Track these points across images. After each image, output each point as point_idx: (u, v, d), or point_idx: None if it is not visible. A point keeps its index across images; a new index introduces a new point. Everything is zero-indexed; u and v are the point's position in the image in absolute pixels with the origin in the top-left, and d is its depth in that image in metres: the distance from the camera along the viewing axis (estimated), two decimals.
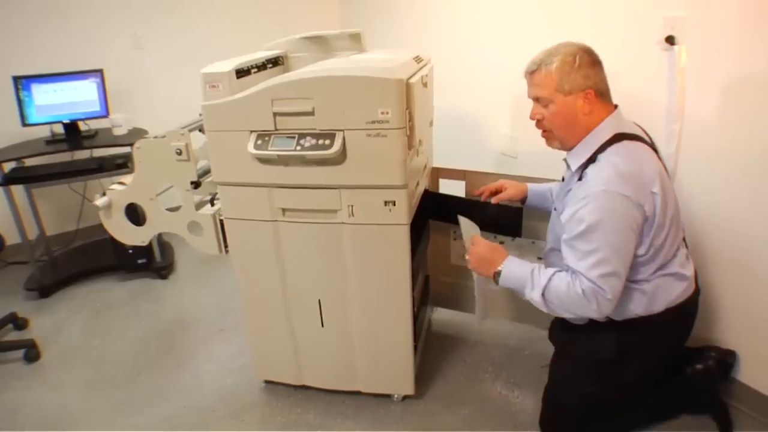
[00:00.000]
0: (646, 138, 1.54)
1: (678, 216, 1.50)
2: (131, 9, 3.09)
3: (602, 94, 1.45)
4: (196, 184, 1.77)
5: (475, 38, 2.55)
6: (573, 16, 2.10)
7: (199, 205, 1.83)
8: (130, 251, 2.75)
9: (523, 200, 1.85)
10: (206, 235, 1.81)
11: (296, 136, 1.55)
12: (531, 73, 1.47)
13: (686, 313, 1.57)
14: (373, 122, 1.48)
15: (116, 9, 3.06)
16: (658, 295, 1.49)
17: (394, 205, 1.59)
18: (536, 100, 1.49)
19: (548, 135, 1.53)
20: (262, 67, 1.82)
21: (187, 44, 3.20)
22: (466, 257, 1.63)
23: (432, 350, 2.16)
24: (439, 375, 2.04)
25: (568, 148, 1.53)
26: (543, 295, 1.43)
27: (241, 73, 1.66)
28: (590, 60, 1.42)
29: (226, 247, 1.81)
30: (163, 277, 2.87)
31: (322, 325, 1.82)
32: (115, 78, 2.95)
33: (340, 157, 1.53)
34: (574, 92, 1.42)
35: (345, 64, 1.57)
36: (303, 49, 1.96)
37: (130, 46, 3.12)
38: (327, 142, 1.51)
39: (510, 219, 1.85)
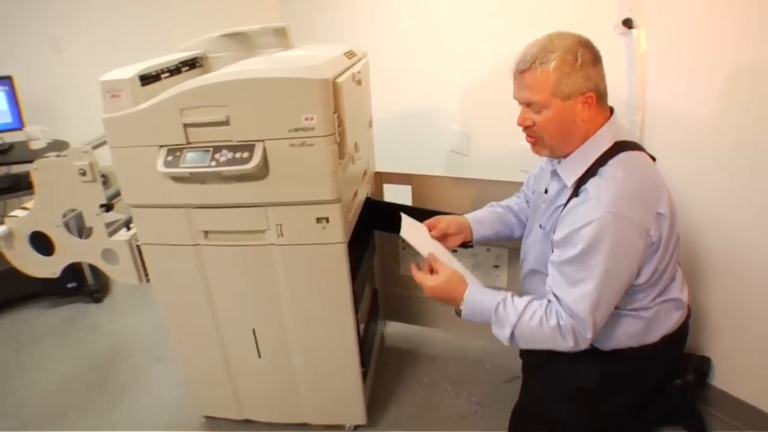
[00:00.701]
0: (641, 144, 1.35)
1: (678, 231, 1.33)
2: (47, 9, 2.80)
3: (602, 96, 1.25)
4: (107, 207, 1.56)
5: (421, 29, 2.37)
6: (519, 2, 1.93)
7: (115, 230, 1.62)
8: (58, 275, 2.50)
9: (467, 242, 1.61)
10: (123, 263, 1.61)
11: (211, 149, 1.35)
12: (522, 72, 1.23)
13: (680, 340, 1.42)
14: (297, 130, 1.30)
15: (29, 9, 2.77)
16: (655, 324, 1.32)
17: (328, 221, 1.41)
18: (527, 104, 1.26)
19: (537, 142, 1.31)
20: (175, 71, 1.61)
21: (114, 47, 2.92)
22: (413, 271, 1.42)
23: (386, 370, 1.99)
24: (394, 399, 1.88)
25: (559, 157, 1.33)
26: (512, 335, 1.25)
27: (148, 79, 1.46)
28: (592, 56, 1.21)
29: (146, 275, 1.61)
30: (97, 300, 2.63)
31: (260, 356, 1.63)
32: (31, 86, 2.67)
33: (262, 172, 1.34)
34: (574, 96, 1.20)
35: (263, 64, 1.38)
36: (224, 48, 1.75)
37: (48, 51, 2.84)
38: (245, 155, 1.32)
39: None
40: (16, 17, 2.75)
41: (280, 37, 1.71)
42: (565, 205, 1.27)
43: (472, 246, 1.64)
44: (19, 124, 2.62)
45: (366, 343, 1.77)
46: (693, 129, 1.58)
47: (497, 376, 1.90)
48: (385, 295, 2.06)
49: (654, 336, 1.33)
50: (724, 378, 1.68)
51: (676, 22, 1.56)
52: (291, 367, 1.64)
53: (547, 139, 1.28)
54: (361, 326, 1.71)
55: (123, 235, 1.60)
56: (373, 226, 1.81)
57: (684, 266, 1.52)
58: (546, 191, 1.40)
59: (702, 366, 1.69)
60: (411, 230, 1.53)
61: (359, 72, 1.52)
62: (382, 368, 1.99)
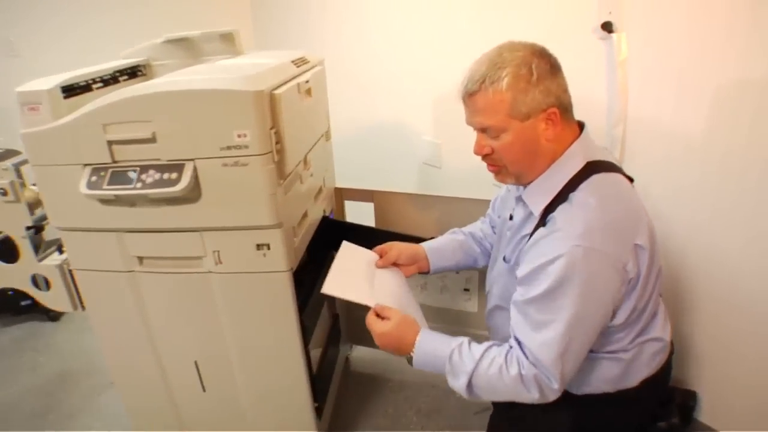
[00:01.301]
0: (617, 163, 1.20)
1: (661, 266, 1.17)
2: (2, 11, 2.65)
3: (567, 109, 1.09)
4: (36, 229, 1.43)
5: (393, 36, 2.23)
6: (494, 6, 1.80)
7: (47, 254, 1.49)
8: (10, 292, 2.37)
9: (425, 268, 1.44)
10: (55, 289, 1.48)
11: (138, 169, 1.22)
12: (472, 95, 1.07)
13: (662, 382, 1.25)
14: (229, 148, 1.17)
15: None
16: (635, 367, 1.16)
17: (269, 248, 1.27)
18: (482, 130, 1.11)
19: (499, 171, 1.15)
20: (111, 80, 1.47)
21: (72, 51, 2.77)
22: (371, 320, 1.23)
23: (350, 398, 1.86)
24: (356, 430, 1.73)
25: (526, 184, 1.18)
26: (468, 385, 1.09)
27: (75, 90, 1.33)
28: (549, 67, 1.04)
29: (81, 302, 1.48)
30: (54, 318, 2.49)
31: (204, 390, 1.50)
32: None
33: (193, 194, 1.21)
34: (534, 114, 1.04)
35: (194, 74, 1.24)
36: (168, 55, 1.61)
37: (3, 54, 2.69)
38: (173, 176, 1.19)
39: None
40: None
41: (228, 43, 1.57)
42: (531, 235, 1.11)
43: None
44: None
45: (323, 374, 1.64)
46: (678, 144, 1.46)
47: (468, 407, 1.77)
48: (349, 318, 1.93)
49: (633, 380, 1.18)
50: (711, 413, 1.55)
51: (660, 26, 1.43)
52: (238, 402, 1.51)
53: (510, 166, 1.13)
54: (317, 356, 1.58)
55: (54, 259, 1.47)
56: (331, 247, 1.66)
57: (667, 293, 1.39)
58: (511, 217, 1.25)
59: (687, 401, 1.55)
60: (346, 273, 1.33)
61: (307, 81, 1.38)
62: (345, 396, 1.85)
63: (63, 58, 2.70)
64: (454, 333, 1.68)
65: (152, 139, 1.18)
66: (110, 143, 1.21)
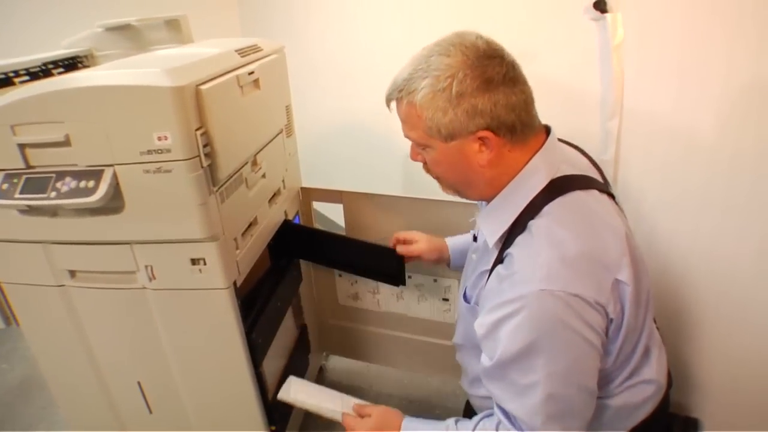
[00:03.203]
0: (597, 175, 1.02)
1: (651, 292, 0.98)
2: None
3: (512, 129, 0.87)
4: None
5: (376, 22, 2.05)
6: None
7: None
8: None
9: (446, 262, 1.36)
10: None
11: (53, 176, 1.08)
12: (389, 102, 0.94)
13: (654, 425, 1.06)
14: (150, 152, 1.02)
15: None
16: (624, 414, 1.00)
17: (205, 263, 1.13)
18: (408, 138, 0.95)
19: (439, 182, 1.01)
20: (41, 73, 1.33)
21: (50, 33, 2.65)
22: (344, 419, 1.15)
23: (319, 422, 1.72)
24: None
25: (476, 200, 1.03)
26: None
27: None
28: (480, 81, 0.84)
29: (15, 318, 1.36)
30: (11, 323, 2.37)
31: (150, 411, 1.38)
32: None
33: (114, 204, 1.07)
34: (459, 136, 0.87)
35: (114, 68, 1.09)
36: (112, 44, 1.47)
37: None
38: (90, 184, 1.05)
39: (389, 264, 1.37)
40: None
41: (174, 30, 1.42)
42: (490, 272, 0.94)
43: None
44: None
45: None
46: (680, 140, 1.28)
47: None
48: (322, 327, 1.79)
49: (623, 428, 1.01)
50: None
51: (661, 5, 1.24)
52: (188, 424, 1.39)
53: (443, 182, 0.98)
54: (277, 373, 1.45)
55: None
56: (296, 253, 1.52)
57: (666, 314, 1.23)
58: (475, 238, 1.08)
59: (689, 430, 1.38)
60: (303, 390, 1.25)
61: (251, 73, 1.22)
62: (312, 419, 1.72)
63: (31, 45, 2.58)
64: (431, 345, 1.55)
65: (66, 143, 1.04)
66: (22, 146, 1.07)
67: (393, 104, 0.94)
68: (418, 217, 1.49)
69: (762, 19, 1.07)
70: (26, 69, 1.28)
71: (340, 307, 1.73)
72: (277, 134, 1.42)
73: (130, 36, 1.45)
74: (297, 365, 1.61)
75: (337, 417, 1.15)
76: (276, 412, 1.40)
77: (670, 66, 1.26)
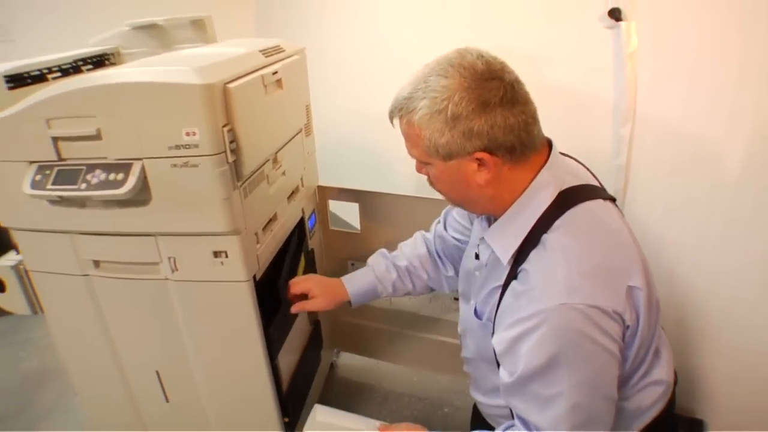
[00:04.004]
0: (594, 181, 1.03)
1: (657, 295, 0.99)
2: None
3: (511, 150, 0.88)
4: None
5: (391, 25, 2.09)
6: None
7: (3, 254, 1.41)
8: None
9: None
10: (11, 291, 1.40)
11: (84, 168, 1.12)
12: (393, 118, 0.96)
13: (664, 424, 1.09)
14: (178, 147, 1.06)
15: None
16: (637, 413, 1.02)
17: (227, 256, 1.16)
18: (410, 155, 0.98)
19: (444, 196, 1.03)
20: (72, 70, 1.38)
21: (70, 35, 2.70)
22: None
23: (336, 404, 1.75)
24: None
25: (480, 215, 1.06)
26: None
27: (25, 80, 1.24)
28: (477, 104, 0.85)
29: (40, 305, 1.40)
30: (37, 311, 2.42)
31: (167, 400, 1.41)
32: None
33: (141, 196, 1.11)
34: (458, 157, 0.89)
35: (145, 66, 1.13)
36: (138, 43, 1.51)
37: None
38: (119, 176, 1.09)
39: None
40: None
41: (199, 30, 1.47)
42: (504, 287, 0.95)
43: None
44: None
45: (298, 386, 1.54)
46: (689, 148, 1.30)
47: (455, 422, 1.65)
48: (334, 324, 1.82)
49: (635, 427, 1.03)
50: None
51: (674, 15, 1.28)
52: (204, 414, 1.42)
53: (447, 196, 1.02)
54: (291, 367, 1.49)
55: (10, 259, 1.39)
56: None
57: (673, 320, 1.25)
58: (477, 256, 1.09)
59: (694, 431, 1.40)
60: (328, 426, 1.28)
61: (275, 73, 1.26)
62: (327, 403, 1.75)
63: (63, 43, 2.64)
64: (441, 343, 1.57)
65: (97, 136, 1.08)
66: (55, 139, 1.11)
67: (395, 120, 0.96)
68: (429, 217, 1.52)
69: None
70: (58, 66, 1.33)
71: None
72: (297, 133, 1.46)
73: (156, 35, 1.49)
74: (310, 360, 1.64)
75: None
76: (289, 404, 1.44)
77: (682, 74, 1.29)
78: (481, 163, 0.89)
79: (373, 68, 2.19)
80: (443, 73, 0.87)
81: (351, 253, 1.65)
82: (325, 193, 1.64)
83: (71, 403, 1.90)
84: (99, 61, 1.46)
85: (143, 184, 1.09)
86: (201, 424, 1.43)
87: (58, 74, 1.33)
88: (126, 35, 1.49)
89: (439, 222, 1.35)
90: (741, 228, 1.25)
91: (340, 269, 1.72)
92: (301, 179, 1.51)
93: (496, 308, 0.97)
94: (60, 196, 1.13)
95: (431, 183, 1.01)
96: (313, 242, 1.62)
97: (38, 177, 1.14)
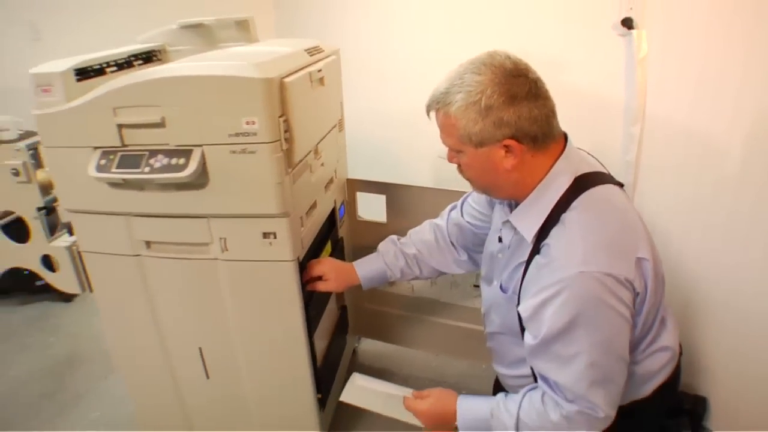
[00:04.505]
0: (603, 170, 1.15)
1: (664, 273, 1.12)
2: None
3: (535, 138, 1.01)
4: (46, 210, 1.44)
5: (411, 27, 2.22)
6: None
7: (57, 235, 1.50)
8: (26, 271, 2.40)
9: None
10: (63, 271, 1.49)
11: (146, 154, 1.22)
12: (429, 111, 1.09)
13: (671, 388, 1.21)
14: (237, 135, 1.16)
15: None
16: (647, 377, 1.14)
17: (275, 237, 1.26)
18: (444, 144, 1.10)
19: (471, 184, 1.16)
20: (125, 65, 1.47)
21: (95, 34, 2.79)
22: (405, 402, 1.27)
23: None
24: (359, 423, 1.75)
25: (502, 200, 1.17)
26: None
27: (89, 73, 1.33)
28: (506, 97, 0.97)
29: (89, 284, 1.49)
30: (67, 300, 2.52)
31: (208, 377, 1.50)
32: (5, 73, 2.56)
33: (200, 180, 1.20)
34: (488, 144, 1.01)
35: (205, 60, 1.24)
36: (184, 41, 1.61)
37: (26, 37, 2.72)
38: (181, 161, 1.19)
39: None
40: None
41: (243, 30, 1.57)
42: (528, 263, 1.07)
43: None
44: None
45: (328, 365, 1.63)
46: (695, 146, 1.42)
47: None
48: (357, 310, 1.92)
49: (646, 390, 1.15)
50: (721, 421, 1.51)
51: (682, 24, 1.40)
52: (242, 390, 1.51)
53: (475, 184, 1.14)
54: (322, 347, 1.58)
55: (64, 240, 1.49)
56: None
57: (678, 302, 1.36)
58: (500, 239, 1.21)
59: (697, 407, 1.52)
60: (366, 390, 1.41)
61: (320, 71, 1.37)
62: None
63: (85, 41, 2.74)
64: (460, 329, 1.67)
65: (161, 124, 1.18)
66: (120, 127, 1.21)
67: (432, 113, 1.09)
68: None
69: None
70: (114, 61, 1.42)
71: (375, 291, 1.86)
72: (333, 127, 1.57)
73: (202, 33, 1.59)
74: (337, 343, 1.74)
75: (398, 416, 1.28)
76: (321, 382, 1.53)
77: (689, 77, 1.41)
78: (508, 149, 1.01)
79: (391, 71, 2.31)
80: (476, 70, 1.00)
81: (376, 242, 1.74)
82: (354, 185, 1.74)
83: (103, 386, 1.98)
84: (148, 57, 1.56)
85: (203, 169, 1.19)
86: (239, 400, 1.52)
87: (115, 68, 1.42)
88: (173, 33, 1.59)
89: (454, 209, 1.45)
90: (743, 219, 1.36)
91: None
92: (335, 171, 1.62)
93: (520, 282, 1.09)
94: (124, 179, 1.22)
95: (461, 170, 1.12)
96: (342, 231, 1.73)
97: (102, 161, 1.23)
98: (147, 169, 1.20)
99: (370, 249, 1.76)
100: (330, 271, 1.44)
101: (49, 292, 2.51)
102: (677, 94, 1.45)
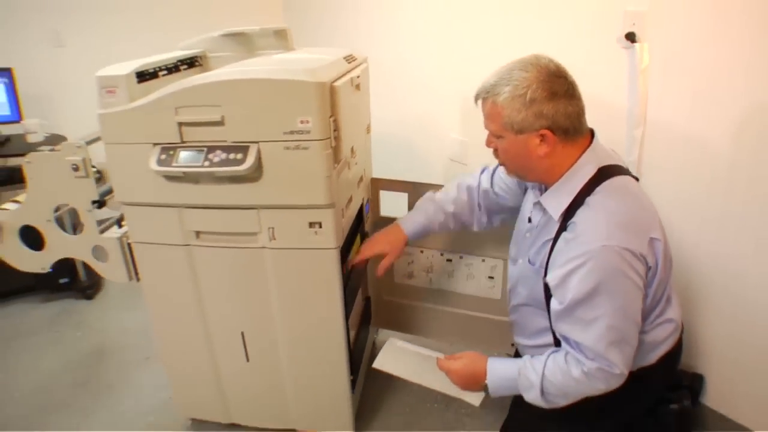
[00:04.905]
0: (624, 165, 1.31)
1: (670, 253, 1.29)
2: (50, 2, 2.80)
3: (567, 131, 1.18)
4: (99, 204, 1.54)
5: (422, 36, 2.37)
6: (524, 11, 1.93)
7: (107, 227, 1.61)
8: (50, 270, 2.48)
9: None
10: (113, 261, 1.59)
11: (205, 149, 1.33)
12: (477, 100, 1.25)
13: (675, 358, 1.38)
14: (292, 132, 1.28)
15: (31, 2, 2.77)
16: (653, 345, 1.30)
17: (320, 227, 1.39)
18: (487, 129, 1.26)
19: (504, 165, 1.32)
20: (174, 69, 1.60)
21: (115, 43, 2.91)
22: (439, 363, 1.41)
23: (376, 377, 1.96)
24: (383, 406, 1.86)
25: (530, 182, 1.34)
26: (542, 393, 1.22)
27: (145, 76, 1.45)
28: (548, 93, 1.13)
29: (137, 273, 1.59)
30: (89, 297, 2.61)
31: (248, 360, 1.61)
32: (30, 79, 2.67)
33: (255, 174, 1.33)
34: (527, 131, 1.17)
35: (260, 65, 1.36)
36: (224, 48, 1.74)
37: (50, 44, 2.83)
38: (239, 156, 1.31)
39: None
40: (18, 9, 2.74)
41: (281, 39, 1.70)
42: (555, 240, 1.23)
43: None
44: (17, 117, 2.60)
45: (356, 351, 1.75)
46: (693, 148, 1.57)
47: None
48: (378, 302, 2.04)
49: (652, 357, 1.30)
50: (717, 397, 1.66)
51: (679, 38, 1.55)
52: (279, 372, 1.62)
53: (508, 166, 1.29)
54: (352, 333, 1.70)
55: (114, 232, 1.58)
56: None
57: (678, 286, 1.50)
58: (529, 219, 1.37)
59: (694, 384, 1.67)
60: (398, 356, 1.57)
61: (358, 77, 1.51)
62: (371, 375, 1.96)
63: (108, 49, 2.87)
64: (476, 319, 1.81)
65: (221, 122, 1.30)
66: (180, 125, 1.32)
67: (479, 102, 1.25)
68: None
69: (757, 53, 1.39)
70: (165, 65, 1.54)
71: (395, 284, 1.98)
72: (364, 129, 1.70)
73: (241, 41, 1.72)
74: (363, 331, 1.86)
75: (427, 383, 1.44)
76: (353, 364, 1.65)
77: (686, 86, 1.56)
78: (543, 138, 1.17)
79: (402, 78, 2.46)
80: (524, 68, 1.16)
81: None
82: (377, 184, 1.88)
83: (134, 376, 2.07)
84: (191, 62, 1.69)
85: (258, 163, 1.31)
86: (276, 382, 1.63)
87: (165, 72, 1.54)
88: (214, 41, 1.72)
89: (484, 172, 1.60)
90: (735, 214, 1.51)
91: None
92: (365, 170, 1.75)
93: (547, 256, 1.24)
94: (184, 172, 1.34)
95: (497, 154, 1.29)
96: (367, 226, 1.86)
97: (163, 156, 1.35)
98: (207, 163, 1.32)
99: None
100: (384, 245, 1.58)
101: (70, 290, 2.60)
102: (676, 101, 1.60)
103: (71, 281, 2.59)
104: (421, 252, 1.90)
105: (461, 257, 1.83)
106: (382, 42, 2.53)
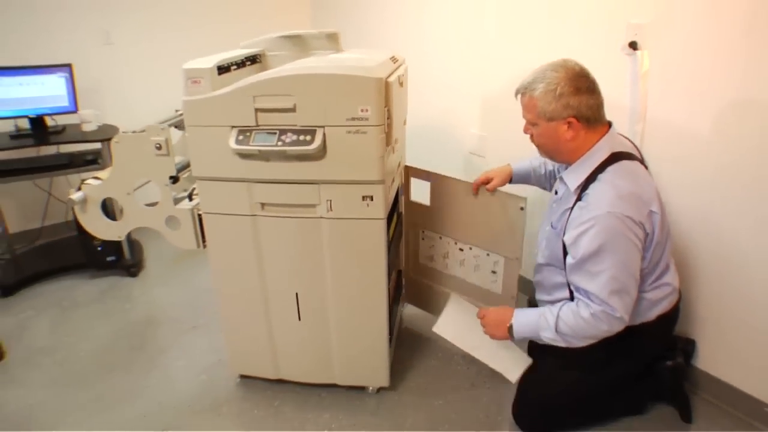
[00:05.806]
0: (638, 154, 1.60)
1: (670, 230, 1.59)
2: (102, 4, 3.05)
3: (588, 120, 1.47)
4: (174, 179, 1.78)
5: (444, 39, 2.63)
6: (539, 21, 2.18)
7: (177, 200, 1.83)
8: (99, 248, 2.71)
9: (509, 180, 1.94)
10: (183, 230, 1.82)
11: (277, 132, 1.57)
12: (517, 94, 1.55)
13: (672, 318, 1.67)
14: (353, 119, 1.52)
15: (86, 4, 3.02)
16: (652, 304, 1.58)
17: (372, 200, 1.63)
18: (525, 118, 1.56)
19: (538, 148, 1.61)
20: (241, 64, 1.84)
21: (158, 41, 3.18)
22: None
23: (404, 345, 2.21)
24: (412, 368, 2.09)
25: (559, 163, 1.66)
26: (556, 331, 1.49)
27: (222, 69, 1.68)
28: (574, 89, 1.43)
29: (204, 241, 1.82)
30: (133, 274, 2.83)
31: (299, 319, 1.84)
32: (85, 73, 2.91)
33: (320, 153, 1.56)
34: (556, 119, 1.47)
35: (326, 63, 1.61)
36: (280, 47, 1.99)
37: (101, 42, 3.07)
38: (308, 138, 1.55)
39: None
40: (74, 9, 3.00)
41: (332, 41, 1.95)
42: (572, 208, 1.51)
43: None
44: (74, 108, 2.83)
45: (392, 315, 1.98)
46: (687, 142, 1.81)
47: None
48: (406, 279, 2.28)
49: (651, 315, 1.58)
50: (707, 360, 1.90)
51: (677, 46, 1.78)
52: (327, 330, 1.85)
53: (541, 149, 1.58)
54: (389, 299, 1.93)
55: (187, 204, 1.81)
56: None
57: (676, 260, 1.75)
58: (556, 192, 1.67)
59: (687, 347, 1.91)
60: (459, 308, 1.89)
61: (402, 75, 1.76)
62: (401, 343, 2.20)
63: (151, 47, 3.13)
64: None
65: (293, 109, 1.54)
66: (257, 110, 1.56)
67: (519, 96, 1.54)
68: (485, 200, 1.95)
69: (745, 59, 1.64)
70: (234, 62, 1.78)
71: (420, 265, 2.22)
72: (403, 121, 1.95)
73: (296, 42, 1.96)
74: (395, 300, 2.10)
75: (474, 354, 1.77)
76: (390, 326, 1.88)
77: (682, 89, 1.80)
78: (569, 125, 1.47)
79: (425, 72, 2.70)
80: (555, 69, 1.46)
81: (422, 220, 2.11)
82: (409, 171, 2.12)
83: (184, 341, 2.30)
84: (254, 59, 1.93)
85: (323, 144, 1.55)
86: (323, 337, 1.86)
87: (236, 67, 1.78)
88: (272, 41, 1.97)
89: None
90: (722, 196, 1.76)
91: (413, 234, 2.19)
92: (401, 157, 2.00)
93: (566, 221, 1.51)
94: (259, 151, 1.58)
95: (533, 139, 1.58)
96: (400, 207, 2.10)
97: (240, 137, 1.59)
98: (279, 143, 1.56)
99: (417, 227, 2.12)
100: (494, 172, 1.90)
101: (117, 268, 2.83)
102: (672, 102, 1.84)
103: (117, 259, 2.82)
104: (440, 238, 2.11)
105: (470, 248, 2.03)
106: (408, 44, 2.78)
